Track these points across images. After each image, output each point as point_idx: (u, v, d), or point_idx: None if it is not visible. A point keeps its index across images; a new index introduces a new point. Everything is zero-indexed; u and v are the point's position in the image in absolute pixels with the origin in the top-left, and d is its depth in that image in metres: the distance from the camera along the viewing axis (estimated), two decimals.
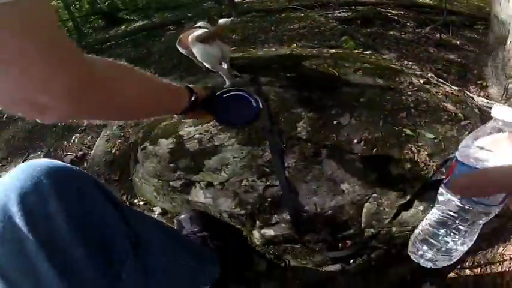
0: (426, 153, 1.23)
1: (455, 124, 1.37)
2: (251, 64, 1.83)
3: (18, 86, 0.47)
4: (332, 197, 1.17)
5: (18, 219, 0.60)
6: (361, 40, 2.69)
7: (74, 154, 2.00)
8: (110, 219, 0.74)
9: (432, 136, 1.29)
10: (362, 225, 1.17)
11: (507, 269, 1.38)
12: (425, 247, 0.52)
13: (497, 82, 1.85)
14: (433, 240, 0.51)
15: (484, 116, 1.65)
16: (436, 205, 0.53)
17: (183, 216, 1.31)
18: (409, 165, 1.20)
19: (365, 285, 1.31)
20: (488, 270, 1.39)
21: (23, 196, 0.61)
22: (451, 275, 1.39)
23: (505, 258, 1.40)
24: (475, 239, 0.51)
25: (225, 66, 1.50)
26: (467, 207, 0.47)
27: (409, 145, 1.26)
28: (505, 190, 0.46)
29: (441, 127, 1.34)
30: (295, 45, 2.59)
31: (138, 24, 4.85)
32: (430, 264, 0.53)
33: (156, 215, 1.45)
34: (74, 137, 2.14)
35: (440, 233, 0.51)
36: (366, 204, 1.17)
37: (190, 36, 1.46)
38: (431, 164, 1.20)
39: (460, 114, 1.43)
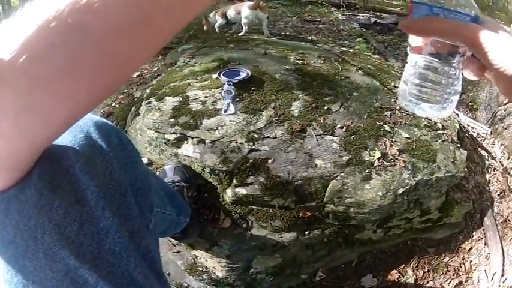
0: (397, 148, 1.38)
1: (432, 131, 1.51)
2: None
3: None
4: (305, 169, 1.32)
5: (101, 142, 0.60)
6: (373, 45, 2.80)
7: None
8: (142, 168, 0.73)
9: (407, 136, 1.43)
10: (324, 199, 1.31)
11: (449, 281, 1.48)
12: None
13: (487, 107, 1.99)
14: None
15: (462, 132, 1.79)
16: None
17: (168, 166, 1.44)
18: (379, 155, 1.34)
19: (313, 260, 1.46)
20: (431, 277, 1.49)
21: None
22: (394, 272, 1.50)
23: (449, 269, 1.51)
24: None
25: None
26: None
27: (384, 139, 1.40)
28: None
29: (418, 130, 1.48)
30: (310, 38, 2.71)
31: None
32: (430, 110, 0.48)
33: None
34: None
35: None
36: (333, 181, 1.31)
37: (246, 5, 2.45)
38: (399, 158, 1.35)
39: (439, 124, 1.57)
